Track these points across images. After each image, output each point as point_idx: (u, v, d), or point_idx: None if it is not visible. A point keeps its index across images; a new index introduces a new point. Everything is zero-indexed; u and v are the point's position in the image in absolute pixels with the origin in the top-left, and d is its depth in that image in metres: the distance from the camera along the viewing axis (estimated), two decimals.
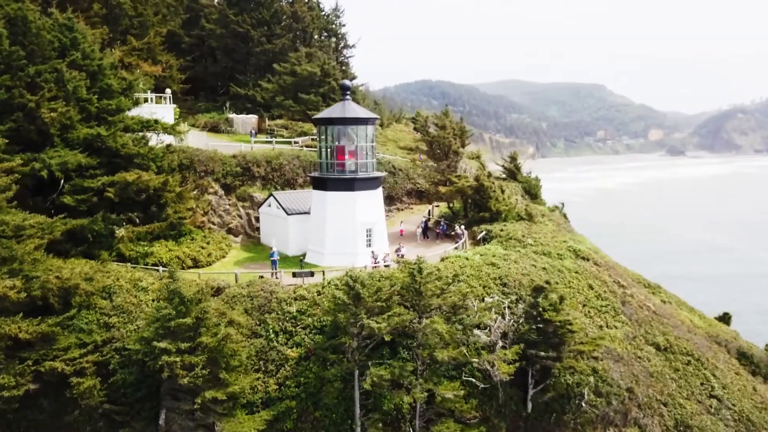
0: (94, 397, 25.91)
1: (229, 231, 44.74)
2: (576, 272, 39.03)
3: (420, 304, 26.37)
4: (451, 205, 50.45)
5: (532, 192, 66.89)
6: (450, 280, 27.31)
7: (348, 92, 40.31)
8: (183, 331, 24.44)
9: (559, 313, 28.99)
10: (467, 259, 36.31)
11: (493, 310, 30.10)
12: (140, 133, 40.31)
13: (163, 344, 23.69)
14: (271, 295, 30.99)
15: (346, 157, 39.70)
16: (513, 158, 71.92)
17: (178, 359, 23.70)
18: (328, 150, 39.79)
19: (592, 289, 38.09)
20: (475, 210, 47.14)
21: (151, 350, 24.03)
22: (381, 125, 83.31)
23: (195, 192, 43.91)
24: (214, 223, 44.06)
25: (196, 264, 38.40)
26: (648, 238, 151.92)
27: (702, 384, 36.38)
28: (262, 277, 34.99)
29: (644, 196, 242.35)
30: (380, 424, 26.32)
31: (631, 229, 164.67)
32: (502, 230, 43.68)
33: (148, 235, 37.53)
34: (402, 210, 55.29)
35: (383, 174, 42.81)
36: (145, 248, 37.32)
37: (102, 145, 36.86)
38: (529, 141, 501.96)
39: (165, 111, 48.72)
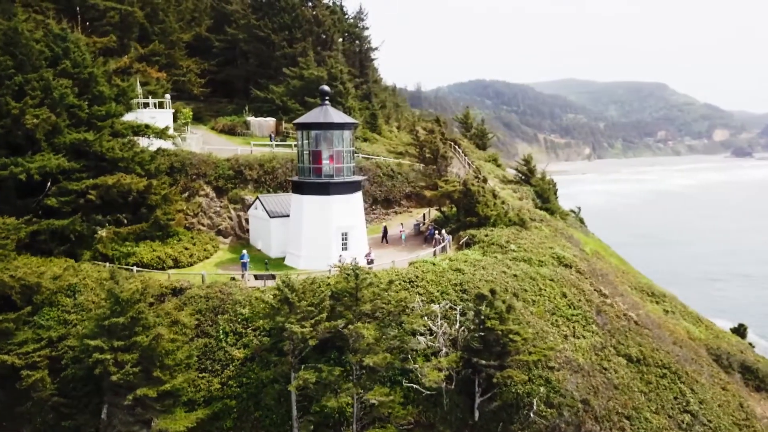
0: (45, 389, 27.39)
1: (219, 232, 46.05)
2: (551, 279, 38.45)
3: (354, 309, 26.69)
4: (443, 209, 50.26)
5: (543, 196, 65.93)
6: (386, 287, 27.49)
7: (327, 97, 40.95)
8: (119, 330, 25.59)
9: (504, 322, 28.77)
10: (434, 264, 36.32)
11: (440, 316, 30.10)
12: (133, 138, 42.05)
13: (95, 342, 24.92)
14: (228, 297, 31.91)
15: (325, 161, 40.37)
16: (527, 161, 71.11)
17: (109, 357, 24.85)
18: (307, 154, 40.50)
19: (565, 297, 37.44)
20: (464, 215, 46.90)
21: (86, 347, 25.28)
22: (398, 128, 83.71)
23: (186, 194, 45.44)
24: (203, 225, 45.46)
25: (177, 264, 39.75)
26: (695, 239, 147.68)
27: (676, 398, 35.21)
28: (233, 278, 36.08)
29: (701, 198, 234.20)
30: (311, 426, 26.82)
31: (678, 231, 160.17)
32: (486, 235, 43.36)
33: (130, 236, 39.10)
34: (400, 213, 55.50)
35: (362, 178, 43.14)
36: (128, 248, 38.93)
37: (89, 150, 38.69)
38: (585, 141, 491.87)
39: (164, 115, 50.49)
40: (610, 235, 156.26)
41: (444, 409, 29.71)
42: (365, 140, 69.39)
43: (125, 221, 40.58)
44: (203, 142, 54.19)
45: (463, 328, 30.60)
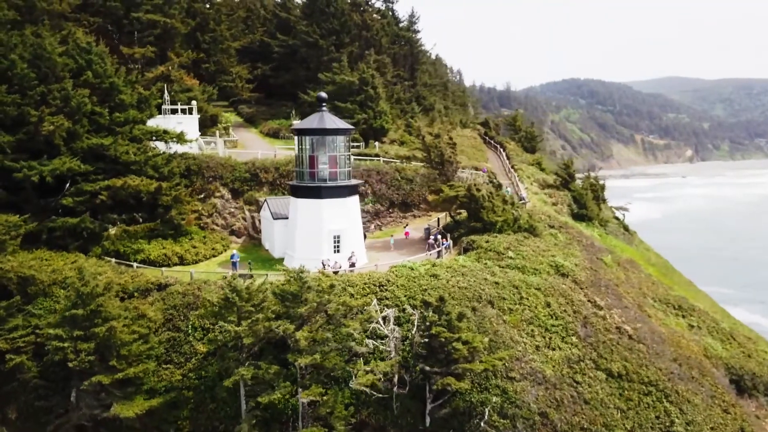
0: (28, 372, 30.28)
1: (233, 232, 48.41)
2: (537, 288, 37.73)
3: (294, 311, 27.71)
4: (454, 214, 50.11)
5: (581, 201, 64.17)
6: (328, 290, 28.26)
7: (324, 103, 42.17)
8: (80, 320, 27.99)
9: (453, 330, 28.79)
10: (411, 269, 36.66)
11: (392, 321, 30.54)
12: (148, 143, 45.14)
13: (55, 331, 27.43)
14: (203, 293, 33.78)
15: (322, 165, 41.62)
16: (567, 166, 69.47)
17: (67, 345, 27.28)
18: (304, 159, 41.89)
19: (549, 307, 36.64)
20: (470, 220, 46.67)
21: (48, 335, 27.85)
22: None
23: (202, 195, 48.15)
24: (217, 225, 47.94)
25: (182, 261, 42.27)
26: None
27: (658, 417, 33.63)
28: (225, 277, 38.01)
29: None
30: (254, 421, 28.08)
31: None
32: (487, 242, 43.02)
33: (139, 233, 42.03)
34: (419, 216, 55.81)
35: (358, 182, 43.94)
36: (138, 245, 41.83)
37: (106, 153, 41.98)
38: (687, 143, 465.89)
39: (190, 121, 53.48)
40: (696, 239, 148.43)
41: (394, 413, 30.18)
42: (402, 143, 70.10)
43: (140, 220, 43.63)
44: (240, 145, 57.17)
45: (420, 333, 30.83)
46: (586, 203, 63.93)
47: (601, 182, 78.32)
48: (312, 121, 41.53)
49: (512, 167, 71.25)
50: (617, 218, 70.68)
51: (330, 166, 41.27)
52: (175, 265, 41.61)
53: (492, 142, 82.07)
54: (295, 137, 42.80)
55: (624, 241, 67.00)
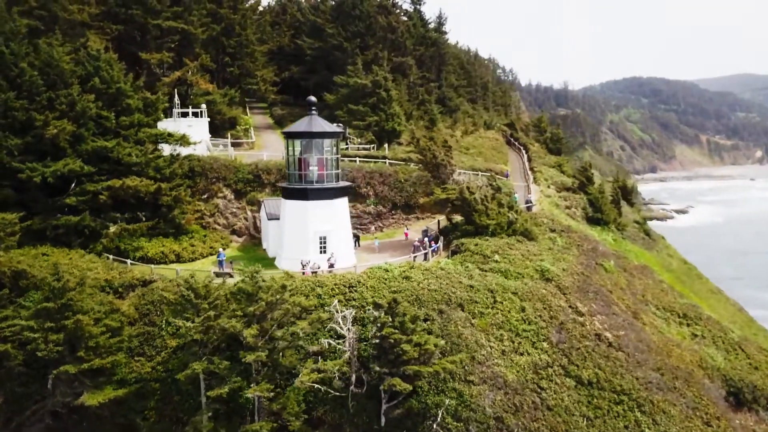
0: (12, 359, 32.41)
1: (234, 232, 50.05)
2: (514, 293, 37.52)
3: (246, 310, 28.73)
4: (451, 217, 50.16)
5: (596, 205, 63.04)
6: (280, 290, 29.13)
7: (313, 107, 43.11)
8: (52, 313, 29.89)
9: (406, 332, 29.19)
10: (386, 270, 37.15)
11: (350, 321, 31.16)
12: (151, 145, 47.20)
13: (27, 322, 29.39)
14: (179, 289, 35.25)
15: (313, 167, 42.59)
16: (584, 168, 68.22)
17: (38, 336, 29.19)
18: (293, 161, 42.96)
19: (524, 311, 36.38)
20: (464, 223, 46.70)
21: (21, 327, 29.86)
22: (465, 132, 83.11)
23: (205, 196, 49.98)
24: (219, 224, 49.66)
25: (179, 259, 44.11)
26: None
27: (627, 427, 32.94)
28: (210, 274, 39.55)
29: None
30: (210, 413, 29.26)
31: None
32: (476, 245, 43.05)
33: (137, 232, 44.07)
34: (422, 219, 56.04)
35: (346, 184, 44.57)
36: (137, 243, 43.88)
37: (110, 155, 44.23)
38: (756, 143, 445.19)
39: (200, 123, 55.46)
40: (760, 244, 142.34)
41: (350, 412, 30.80)
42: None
43: (143, 219, 45.73)
44: (258, 146, 59.22)
45: (375, 334, 31.33)
46: (602, 207, 62.70)
47: (630, 184, 76.64)
48: (301, 125, 42.58)
49: (531, 169, 70.54)
50: (638, 222, 68.78)
51: (319, 168, 42.17)
52: (172, 262, 43.40)
53: (516, 143, 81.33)
54: (286, 140, 43.92)
55: (643, 247, 65.32)
